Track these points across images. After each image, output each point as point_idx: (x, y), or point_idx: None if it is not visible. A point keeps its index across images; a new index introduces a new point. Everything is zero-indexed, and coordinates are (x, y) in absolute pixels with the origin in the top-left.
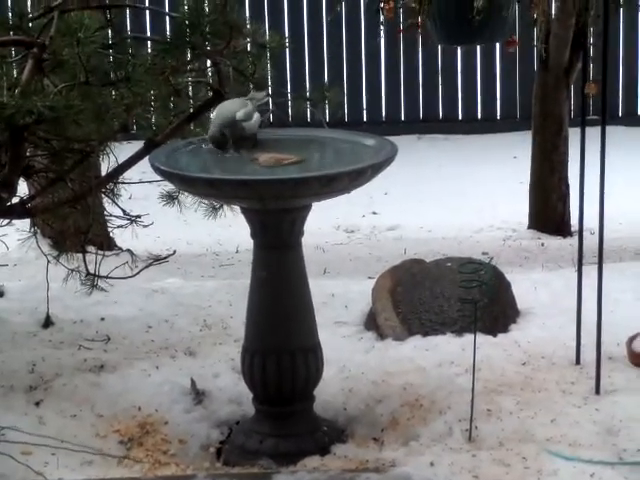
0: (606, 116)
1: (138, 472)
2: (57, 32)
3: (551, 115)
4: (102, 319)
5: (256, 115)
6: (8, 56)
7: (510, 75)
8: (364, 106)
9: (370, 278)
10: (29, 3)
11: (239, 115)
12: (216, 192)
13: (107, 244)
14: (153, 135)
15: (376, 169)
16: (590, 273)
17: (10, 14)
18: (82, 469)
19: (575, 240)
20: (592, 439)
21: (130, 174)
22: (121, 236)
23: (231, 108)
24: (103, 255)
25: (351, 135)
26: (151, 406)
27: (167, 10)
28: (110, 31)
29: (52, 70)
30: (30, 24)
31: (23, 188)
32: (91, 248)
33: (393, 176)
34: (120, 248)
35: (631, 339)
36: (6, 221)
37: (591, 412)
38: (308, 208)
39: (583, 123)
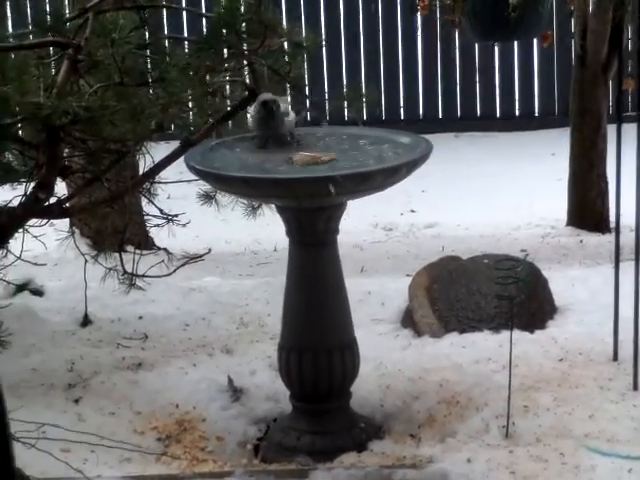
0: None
1: (176, 469)
2: (92, 33)
3: (589, 112)
4: (140, 317)
5: (292, 114)
6: (45, 57)
7: (548, 72)
8: (401, 104)
9: (408, 276)
10: (66, 4)
11: (283, 107)
12: (251, 191)
13: (145, 243)
14: (189, 134)
15: (411, 167)
16: (628, 269)
17: (47, 15)
18: (121, 466)
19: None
20: (630, 435)
21: (168, 174)
22: (159, 235)
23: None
24: (140, 254)
25: (386, 133)
26: (189, 403)
27: (204, 10)
28: (145, 31)
29: (88, 71)
30: (66, 25)
31: (61, 189)
32: (130, 248)
33: (431, 174)
34: (158, 247)
35: None
36: (44, 221)
37: (629, 408)
38: (343, 206)
39: (619, 119)
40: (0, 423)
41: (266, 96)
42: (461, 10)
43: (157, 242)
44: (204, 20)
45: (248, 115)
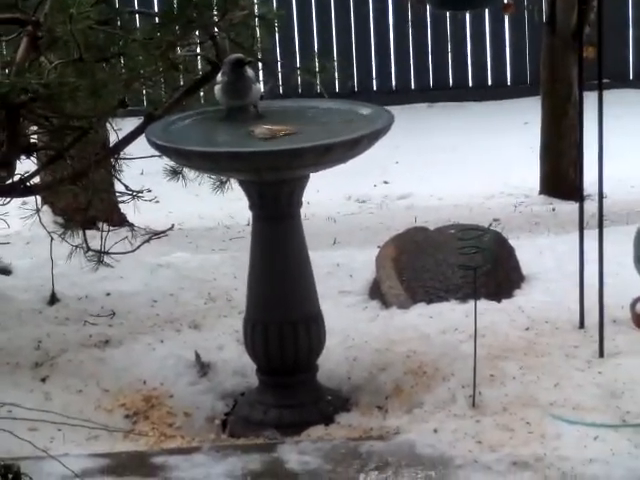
0: (602, 80)
1: (144, 445)
2: (52, 9)
3: (560, 80)
4: (108, 294)
5: (258, 85)
6: (4, 34)
7: (520, 40)
8: (374, 75)
9: (378, 247)
10: None
11: (251, 73)
12: (212, 165)
13: (117, 220)
14: (153, 109)
15: (372, 138)
16: (595, 236)
17: None
18: (88, 444)
19: (587, 204)
20: (595, 402)
21: (138, 150)
22: (133, 211)
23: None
24: (108, 231)
25: (348, 104)
26: (156, 379)
27: None
28: (105, 6)
29: (48, 47)
30: (25, 2)
31: (28, 166)
32: (104, 225)
33: (404, 145)
34: (131, 223)
35: (635, 301)
36: (7, 199)
37: (594, 375)
38: (306, 178)
39: (580, 87)
40: None
41: (237, 55)
42: None
43: (130, 218)
44: None
45: (215, 87)
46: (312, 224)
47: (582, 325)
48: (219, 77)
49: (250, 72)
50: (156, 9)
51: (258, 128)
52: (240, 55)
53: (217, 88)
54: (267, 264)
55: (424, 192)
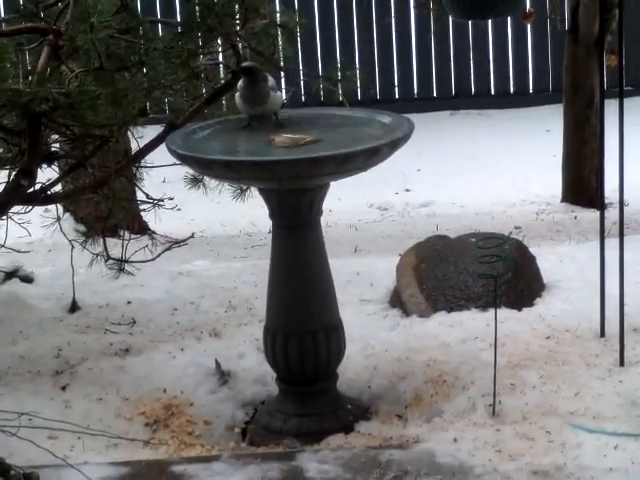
0: (623, 87)
1: (164, 454)
2: (73, 18)
3: (582, 87)
4: (128, 302)
5: (280, 93)
6: (26, 44)
7: (542, 48)
8: (396, 83)
9: (400, 255)
10: None
11: (271, 82)
12: (233, 174)
13: (139, 228)
14: (174, 118)
15: (392, 147)
16: (616, 245)
17: (25, 1)
18: (108, 452)
19: (609, 212)
20: (616, 411)
21: (160, 158)
22: (154, 219)
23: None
24: (129, 240)
25: (368, 113)
26: (176, 388)
27: None
28: (126, 15)
29: (69, 56)
30: (46, 11)
31: (49, 174)
32: (126, 233)
33: (426, 153)
34: (152, 231)
35: None
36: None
37: (615, 384)
38: (326, 187)
39: (602, 95)
40: None
41: (247, 62)
42: None
43: (152, 226)
44: (177, 4)
45: (236, 95)
46: (334, 232)
47: (603, 334)
48: (239, 85)
49: (271, 80)
50: (178, 18)
51: (278, 137)
52: (250, 63)
53: (237, 96)
54: (287, 273)
55: (446, 200)
